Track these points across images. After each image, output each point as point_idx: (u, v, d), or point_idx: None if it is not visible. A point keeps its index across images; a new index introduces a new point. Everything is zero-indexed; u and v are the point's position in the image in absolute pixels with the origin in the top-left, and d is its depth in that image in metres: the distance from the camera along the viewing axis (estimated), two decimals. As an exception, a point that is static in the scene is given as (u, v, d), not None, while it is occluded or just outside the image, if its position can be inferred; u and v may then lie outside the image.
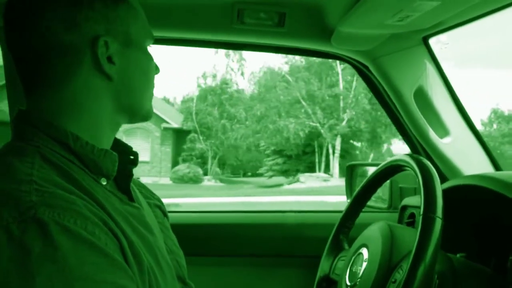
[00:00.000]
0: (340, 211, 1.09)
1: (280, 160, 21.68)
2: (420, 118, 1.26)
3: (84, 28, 0.61)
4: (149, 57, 0.71)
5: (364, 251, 0.85)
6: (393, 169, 0.97)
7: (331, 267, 0.99)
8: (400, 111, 1.31)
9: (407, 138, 1.40)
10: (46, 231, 0.48)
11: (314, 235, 1.40)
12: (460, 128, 1.29)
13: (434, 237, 0.69)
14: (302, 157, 21.59)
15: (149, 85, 0.71)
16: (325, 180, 19.71)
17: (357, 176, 1.74)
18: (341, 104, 20.22)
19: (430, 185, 0.75)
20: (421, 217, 0.72)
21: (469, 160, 1.29)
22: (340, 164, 20.14)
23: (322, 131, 20.08)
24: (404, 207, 1.28)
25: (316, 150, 21.11)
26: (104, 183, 0.63)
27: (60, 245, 0.47)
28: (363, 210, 1.05)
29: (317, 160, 21.10)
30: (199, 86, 21.29)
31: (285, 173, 21.40)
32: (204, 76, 21.03)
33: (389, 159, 0.98)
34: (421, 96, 1.25)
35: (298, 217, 1.49)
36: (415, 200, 1.25)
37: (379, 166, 1.00)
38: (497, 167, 1.30)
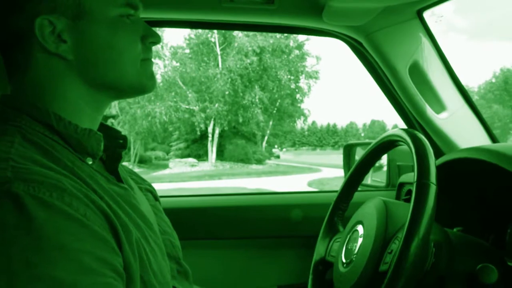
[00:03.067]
0: (336, 191, 1.08)
1: (182, 145, 21.84)
2: (415, 94, 1.24)
3: (27, 10, 0.59)
4: (116, 26, 0.64)
5: (359, 228, 0.84)
6: (386, 145, 0.96)
7: (327, 249, 0.98)
8: (395, 87, 1.28)
9: (403, 114, 1.38)
10: (20, 204, 0.47)
11: (310, 215, 1.39)
12: (456, 102, 1.27)
13: (430, 202, 0.68)
14: (204, 142, 21.82)
15: (120, 56, 0.64)
16: (192, 165, 20.30)
17: (354, 156, 1.73)
18: (219, 85, 19.97)
19: (422, 153, 0.74)
20: (415, 183, 0.71)
21: (466, 134, 1.27)
22: (219, 148, 20.29)
23: (195, 114, 20.05)
24: (402, 184, 1.27)
25: (209, 134, 21.22)
26: (90, 162, 0.62)
27: (35, 216, 0.47)
28: (361, 189, 1.03)
29: (209, 144, 21.23)
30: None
31: (186, 157, 21.65)
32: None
33: (382, 135, 0.96)
34: (416, 71, 1.23)
35: (294, 197, 1.48)
36: (412, 177, 1.23)
37: (372, 144, 0.98)
38: (494, 139, 1.28)
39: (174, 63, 20.81)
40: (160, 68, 20.15)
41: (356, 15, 1.15)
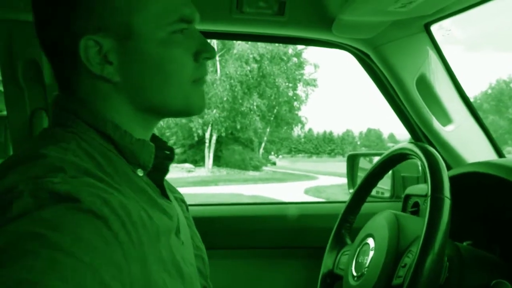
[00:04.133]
0: (344, 202, 1.08)
1: (179, 150, 21.91)
2: (422, 106, 1.25)
3: (72, 29, 0.56)
4: (166, 46, 0.59)
5: (370, 241, 0.85)
6: (396, 158, 0.96)
7: (335, 262, 0.98)
8: (402, 99, 1.29)
9: (409, 126, 1.39)
10: (57, 200, 0.45)
11: (317, 226, 1.39)
12: (463, 116, 1.27)
13: (445, 217, 0.68)
14: (201, 147, 21.86)
15: (168, 80, 0.60)
16: (189, 171, 20.15)
17: (358, 166, 1.73)
18: (219, 91, 19.97)
19: (436, 167, 0.75)
20: (429, 198, 0.71)
21: (472, 148, 1.28)
22: (216, 154, 20.23)
23: (193, 119, 20.02)
24: (408, 196, 1.27)
25: (206, 139, 21.25)
26: (141, 174, 0.61)
27: (64, 216, 0.44)
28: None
29: (206, 150, 21.21)
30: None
31: (182, 163, 21.67)
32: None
33: (392, 148, 0.97)
34: (423, 84, 1.24)
35: (301, 208, 1.48)
36: (419, 189, 1.24)
37: (382, 156, 0.99)
38: (500, 154, 1.29)
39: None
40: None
41: (365, 28, 1.16)
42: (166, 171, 0.68)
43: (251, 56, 19.77)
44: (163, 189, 0.66)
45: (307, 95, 23.46)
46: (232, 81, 19.79)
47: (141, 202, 0.56)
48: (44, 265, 0.40)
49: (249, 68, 19.88)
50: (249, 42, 19.70)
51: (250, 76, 20.03)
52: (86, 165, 0.53)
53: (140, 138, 0.61)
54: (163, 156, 0.67)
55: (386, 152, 0.98)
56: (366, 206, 1.04)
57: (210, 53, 0.63)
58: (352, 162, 1.72)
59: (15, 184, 0.47)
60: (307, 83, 22.98)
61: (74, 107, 0.59)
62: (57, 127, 0.59)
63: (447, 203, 0.70)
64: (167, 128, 20.71)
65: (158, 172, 0.65)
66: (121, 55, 0.58)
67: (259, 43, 19.54)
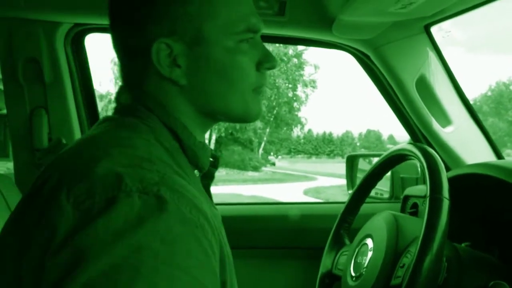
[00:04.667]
0: (343, 202, 1.08)
1: None
2: (422, 108, 1.25)
3: (146, 30, 0.58)
4: (232, 54, 0.61)
5: (369, 241, 0.85)
6: (395, 159, 0.96)
7: (333, 262, 0.99)
8: (401, 100, 1.30)
9: (409, 127, 1.39)
10: (165, 209, 0.45)
11: (316, 227, 1.39)
12: (462, 117, 1.28)
13: (443, 217, 0.69)
14: None
15: (231, 87, 0.62)
16: None
17: (357, 167, 1.73)
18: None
19: (435, 168, 0.75)
20: (428, 198, 0.71)
21: (471, 150, 1.28)
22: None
23: None
24: (407, 197, 1.27)
25: (206, 139, 21.39)
26: (198, 175, 0.63)
27: (173, 227, 0.45)
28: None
29: None
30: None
31: None
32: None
33: (391, 149, 0.97)
34: (423, 85, 1.25)
35: (300, 208, 1.48)
36: (418, 190, 1.24)
37: (381, 157, 0.99)
38: (499, 155, 1.29)
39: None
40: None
41: (365, 29, 1.16)
42: (212, 177, 0.70)
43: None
44: (210, 196, 0.69)
45: (307, 95, 23.50)
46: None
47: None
48: (165, 283, 0.41)
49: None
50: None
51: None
52: (166, 158, 0.54)
53: (202, 141, 0.63)
54: (209, 163, 0.68)
55: (385, 153, 0.98)
56: (365, 207, 1.04)
57: (272, 63, 0.65)
58: (351, 163, 1.73)
59: (118, 174, 0.47)
60: (307, 84, 23.00)
61: (148, 102, 0.60)
62: (130, 117, 0.59)
63: (445, 204, 0.70)
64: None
65: (205, 178, 0.67)
66: (190, 59, 0.59)
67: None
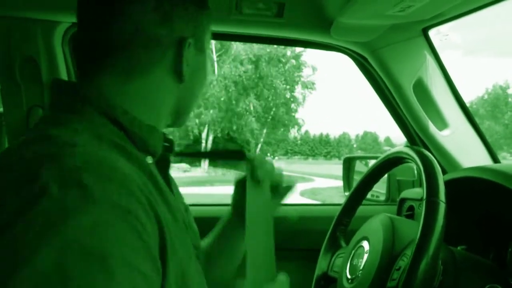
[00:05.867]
0: (339, 204, 1.08)
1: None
2: (419, 110, 1.26)
3: (176, 26, 0.61)
4: (206, 65, 0.70)
5: (365, 244, 0.85)
6: (392, 162, 0.97)
7: (329, 264, 0.98)
8: (399, 103, 1.30)
9: (406, 130, 1.39)
10: (88, 197, 0.43)
11: (312, 228, 1.39)
12: (459, 121, 1.28)
13: (439, 221, 0.69)
14: (197, 147, 21.90)
15: (199, 97, 0.71)
16: (185, 171, 20.39)
17: (354, 169, 1.74)
18: (215, 91, 20.12)
19: (431, 171, 0.75)
20: (424, 201, 0.72)
21: (467, 153, 1.29)
22: None
23: (190, 119, 20.27)
24: (403, 200, 1.28)
25: (203, 140, 21.54)
26: (150, 161, 0.61)
27: (101, 217, 0.42)
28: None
29: (202, 150, 21.33)
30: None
31: (178, 162, 21.99)
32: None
33: (388, 151, 0.97)
34: (421, 88, 1.25)
35: (298, 210, 1.48)
36: (414, 193, 1.24)
37: (378, 159, 0.99)
38: (495, 159, 1.30)
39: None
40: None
41: (364, 32, 1.17)
42: (168, 162, 0.68)
43: (245, 56, 19.81)
44: (168, 182, 0.65)
45: (304, 97, 23.53)
46: (226, 81, 19.83)
47: (152, 188, 0.54)
48: (102, 277, 0.40)
49: (243, 68, 19.91)
50: (245, 43, 19.78)
51: (244, 77, 20.06)
52: (100, 144, 0.52)
53: (149, 124, 0.61)
54: (164, 148, 0.67)
55: (382, 156, 0.99)
56: (361, 209, 1.04)
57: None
58: (348, 165, 1.73)
59: (33, 165, 0.44)
60: (305, 86, 23.03)
61: (85, 92, 0.58)
62: (62, 112, 0.57)
63: (442, 207, 0.70)
64: (164, 127, 20.81)
65: (161, 163, 0.65)
66: (194, 62, 0.65)
67: (255, 44, 19.62)
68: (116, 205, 0.44)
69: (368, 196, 1.67)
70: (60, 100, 0.59)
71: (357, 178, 1.66)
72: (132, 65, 0.60)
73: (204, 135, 20.88)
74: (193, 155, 1.05)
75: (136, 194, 0.47)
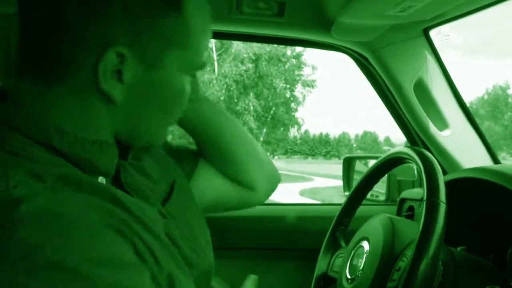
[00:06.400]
0: (339, 204, 1.08)
1: None
2: (419, 111, 1.25)
3: (102, 24, 0.47)
4: (181, 89, 0.56)
5: (365, 244, 0.85)
6: (392, 162, 0.96)
7: (329, 264, 0.98)
8: (399, 103, 1.30)
9: (406, 130, 1.39)
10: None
11: (312, 228, 1.39)
12: (459, 121, 1.28)
13: (439, 221, 0.69)
14: None
15: (166, 120, 0.57)
16: None
17: (353, 169, 1.73)
18: (215, 90, 19.89)
19: (432, 172, 0.75)
20: (424, 202, 0.72)
21: (468, 153, 1.29)
22: None
23: None
24: (403, 200, 1.28)
25: None
26: (104, 182, 0.52)
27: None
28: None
29: None
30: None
31: None
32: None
33: (388, 152, 0.97)
34: (421, 88, 1.25)
35: (295, 210, 1.48)
36: (414, 193, 1.24)
37: (378, 159, 0.99)
38: (496, 160, 1.30)
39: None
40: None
41: (365, 32, 1.16)
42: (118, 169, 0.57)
43: (245, 55, 19.82)
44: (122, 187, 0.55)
45: (304, 96, 23.53)
46: (227, 80, 19.83)
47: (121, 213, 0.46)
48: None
49: (244, 67, 19.92)
50: (245, 42, 19.79)
51: (245, 76, 20.06)
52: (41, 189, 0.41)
53: (96, 140, 0.50)
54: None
55: (382, 156, 0.98)
56: (361, 209, 1.04)
57: (193, 96, 0.65)
58: (348, 164, 1.73)
59: None
60: (306, 84, 23.04)
61: (6, 113, 0.47)
62: None
63: (442, 208, 0.70)
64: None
65: (117, 180, 0.56)
66: (137, 80, 0.50)
67: (255, 44, 19.62)
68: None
69: (368, 196, 1.68)
70: None
71: (357, 178, 1.66)
72: (49, 62, 0.48)
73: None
74: None
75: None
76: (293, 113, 24.01)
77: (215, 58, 20.49)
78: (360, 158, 1.80)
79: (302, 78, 22.79)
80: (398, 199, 1.32)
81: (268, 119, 22.86)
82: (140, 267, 0.43)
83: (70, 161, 0.47)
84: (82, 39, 0.47)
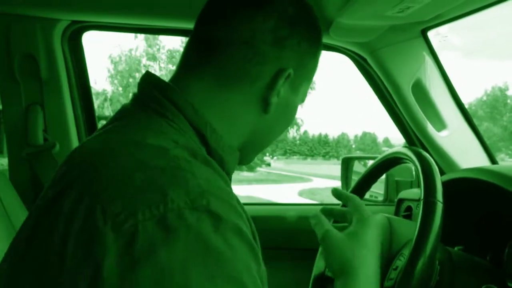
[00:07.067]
0: (338, 204, 1.08)
1: None
2: (417, 111, 1.26)
3: (284, 54, 0.59)
4: (295, 112, 0.67)
5: (362, 244, 0.85)
6: (390, 162, 0.97)
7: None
8: (397, 104, 1.30)
9: (404, 130, 1.39)
10: (220, 226, 0.42)
11: (310, 228, 1.39)
12: (457, 122, 1.29)
13: (436, 221, 0.69)
14: None
15: (273, 140, 0.68)
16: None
17: (352, 169, 1.74)
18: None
19: (429, 172, 0.75)
20: (422, 201, 0.72)
21: (466, 154, 1.29)
22: None
23: None
24: (401, 200, 1.28)
25: None
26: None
27: (234, 244, 0.42)
28: None
29: None
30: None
31: None
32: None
33: (386, 152, 0.97)
34: (419, 89, 1.25)
35: (296, 209, 1.48)
36: (412, 193, 1.25)
37: (376, 160, 1.00)
38: (493, 161, 1.30)
39: (171, 66, 20.85)
40: (156, 71, 20.15)
41: (363, 32, 1.17)
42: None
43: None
44: None
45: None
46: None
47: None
48: None
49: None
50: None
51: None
52: (199, 163, 0.49)
53: (231, 145, 0.59)
54: None
55: (380, 156, 0.99)
56: None
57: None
58: (347, 165, 1.73)
59: (160, 185, 0.42)
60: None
61: (178, 98, 0.55)
62: (155, 115, 0.54)
63: (439, 207, 0.71)
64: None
65: None
66: (283, 100, 0.61)
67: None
68: (243, 231, 0.44)
69: (366, 196, 1.68)
70: (150, 97, 0.55)
71: (355, 178, 1.66)
72: (227, 71, 0.57)
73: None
74: None
75: (243, 217, 0.48)
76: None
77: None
78: (359, 158, 1.81)
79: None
80: (396, 199, 1.32)
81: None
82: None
83: (209, 154, 0.55)
84: (269, 60, 0.58)
